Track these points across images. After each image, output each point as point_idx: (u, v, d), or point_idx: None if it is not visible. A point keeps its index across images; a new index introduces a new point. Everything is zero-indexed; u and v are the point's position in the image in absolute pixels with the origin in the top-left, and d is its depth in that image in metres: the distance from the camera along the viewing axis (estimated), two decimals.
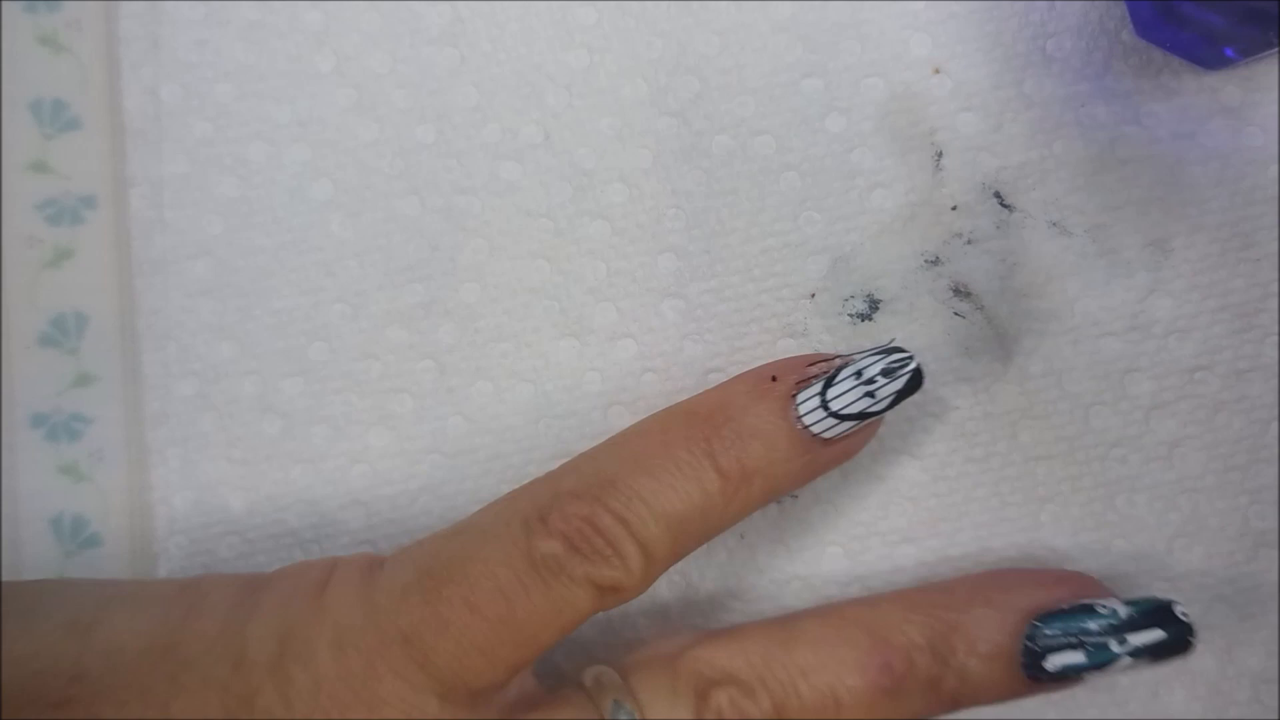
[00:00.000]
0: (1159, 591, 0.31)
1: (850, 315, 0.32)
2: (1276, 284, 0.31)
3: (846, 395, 0.27)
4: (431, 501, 0.33)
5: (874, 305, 0.32)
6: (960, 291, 0.32)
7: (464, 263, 0.33)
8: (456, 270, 0.33)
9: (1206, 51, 0.30)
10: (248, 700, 0.25)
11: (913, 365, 0.27)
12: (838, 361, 0.28)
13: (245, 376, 0.33)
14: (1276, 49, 0.29)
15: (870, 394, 0.27)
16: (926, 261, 0.32)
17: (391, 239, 0.33)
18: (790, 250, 0.32)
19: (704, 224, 0.33)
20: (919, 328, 0.32)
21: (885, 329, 0.32)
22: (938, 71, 0.32)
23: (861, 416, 0.27)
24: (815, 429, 0.27)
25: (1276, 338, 0.31)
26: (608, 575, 0.26)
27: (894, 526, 0.32)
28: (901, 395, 0.27)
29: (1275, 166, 0.31)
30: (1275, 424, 0.31)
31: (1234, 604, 0.31)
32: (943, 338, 0.32)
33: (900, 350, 0.28)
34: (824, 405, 0.27)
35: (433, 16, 0.33)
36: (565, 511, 0.26)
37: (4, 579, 0.32)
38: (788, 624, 0.28)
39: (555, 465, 0.32)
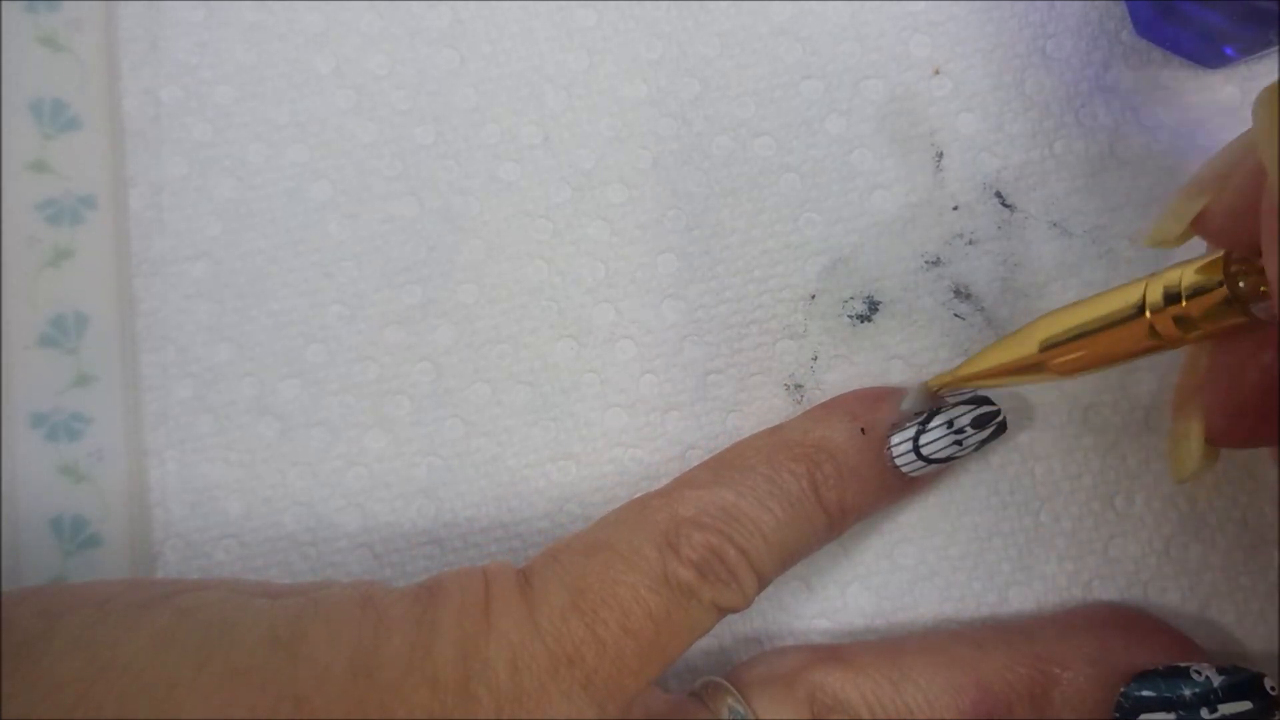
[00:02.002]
0: (1157, 590, 0.31)
1: (850, 317, 0.32)
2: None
3: (938, 442, 0.29)
4: (428, 504, 0.33)
5: (874, 307, 0.32)
6: (961, 293, 0.32)
7: (462, 264, 0.33)
8: (454, 271, 0.33)
9: (1206, 50, 0.30)
10: None
11: (1000, 418, 0.30)
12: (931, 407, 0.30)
13: (243, 378, 0.33)
14: (1276, 48, 0.29)
15: (959, 442, 0.29)
16: (927, 262, 0.32)
17: (389, 240, 0.33)
18: (790, 251, 0.32)
19: (704, 225, 0.33)
20: (919, 329, 0.32)
21: (885, 330, 0.32)
22: (938, 72, 0.32)
23: (946, 460, 0.30)
24: (904, 468, 0.29)
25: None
26: (729, 599, 0.28)
27: (894, 526, 0.32)
28: (984, 443, 0.30)
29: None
30: None
31: (1232, 602, 0.31)
32: (942, 339, 0.32)
33: (989, 402, 0.30)
34: (916, 449, 0.29)
35: (432, 18, 0.34)
36: (693, 541, 0.27)
37: (118, 577, 0.32)
38: (897, 657, 0.29)
39: (553, 468, 0.33)
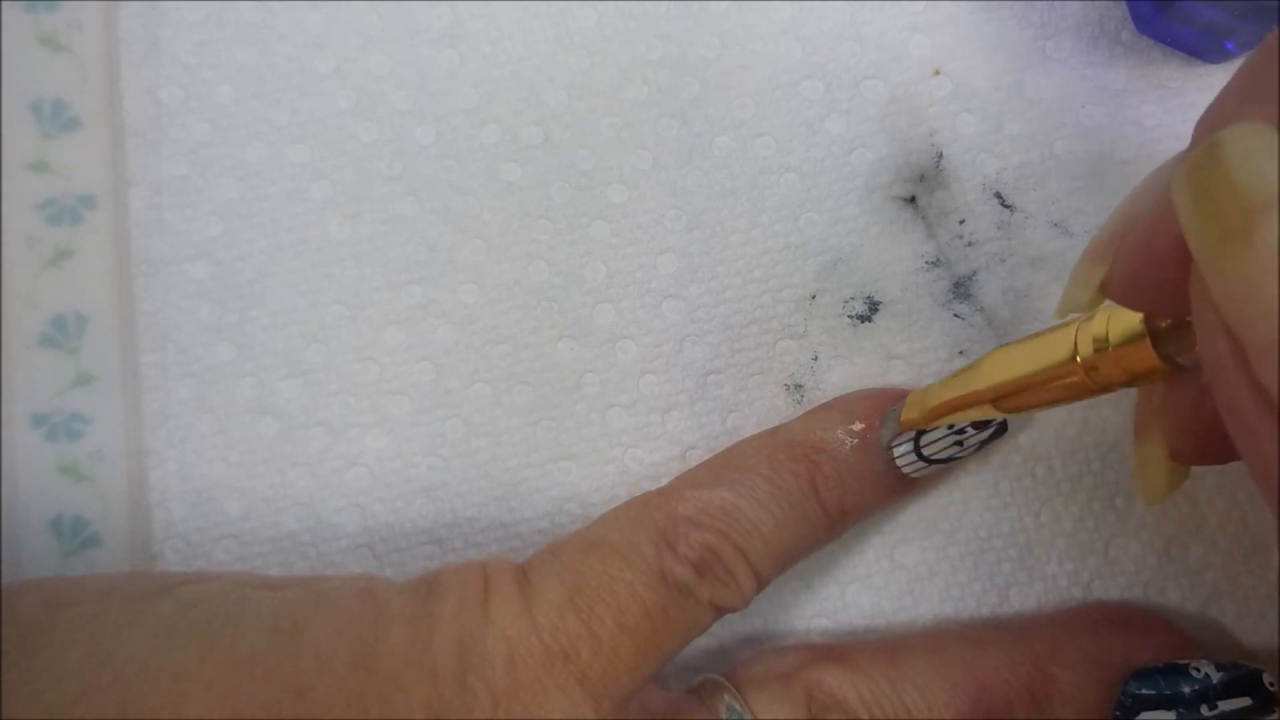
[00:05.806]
0: (1157, 590, 0.31)
1: (850, 317, 0.32)
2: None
3: (939, 443, 0.29)
4: (428, 504, 0.33)
5: (874, 307, 0.32)
6: (961, 293, 0.32)
7: (462, 264, 0.33)
8: (455, 271, 0.33)
9: (1207, 46, 0.30)
10: (443, 715, 0.25)
11: (1001, 418, 0.29)
12: None
13: (243, 378, 0.33)
14: None
15: (959, 443, 0.29)
16: (927, 263, 0.32)
17: (390, 240, 0.33)
18: (790, 252, 0.32)
19: (704, 225, 0.33)
20: (919, 329, 0.32)
21: (885, 330, 0.32)
22: (938, 73, 0.32)
23: (947, 461, 0.30)
24: (905, 469, 0.29)
25: None
26: (726, 598, 0.28)
27: (894, 526, 0.32)
28: (984, 444, 0.30)
29: None
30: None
31: (1232, 603, 0.31)
32: (942, 339, 0.32)
33: None
34: (917, 450, 0.29)
35: (432, 18, 0.34)
36: (691, 540, 0.27)
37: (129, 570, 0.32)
38: (895, 657, 0.29)
39: (553, 468, 0.33)
